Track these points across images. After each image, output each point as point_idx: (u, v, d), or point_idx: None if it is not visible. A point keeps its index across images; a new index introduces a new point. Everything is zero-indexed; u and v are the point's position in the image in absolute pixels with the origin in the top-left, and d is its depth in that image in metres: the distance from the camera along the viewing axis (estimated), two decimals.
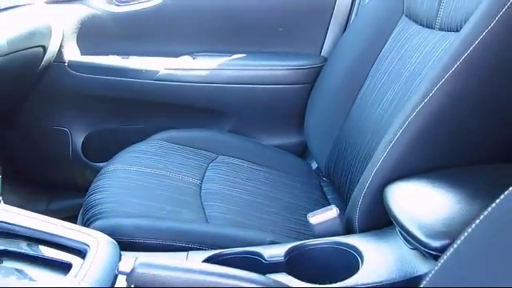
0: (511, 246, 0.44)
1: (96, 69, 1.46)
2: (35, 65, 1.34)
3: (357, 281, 0.66)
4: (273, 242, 0.84)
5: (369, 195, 0.78)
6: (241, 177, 1.19)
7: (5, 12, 1.18)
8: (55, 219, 0.76)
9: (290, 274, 0.71)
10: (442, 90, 0.71)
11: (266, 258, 0.75)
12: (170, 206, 0.98)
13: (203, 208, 1.02)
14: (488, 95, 0.72)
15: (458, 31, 0.86)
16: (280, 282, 0.63)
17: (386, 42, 1.13)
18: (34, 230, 0.72)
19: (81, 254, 0.72)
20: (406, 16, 1.11)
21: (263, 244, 0.82)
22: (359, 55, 1.19)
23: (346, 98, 1.18)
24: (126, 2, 1.47)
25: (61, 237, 0.73)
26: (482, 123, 0.72)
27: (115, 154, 1.24)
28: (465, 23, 0.80)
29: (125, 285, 0.70)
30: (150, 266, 0.59)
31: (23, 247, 0.71)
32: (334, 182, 1.18)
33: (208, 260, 0.75)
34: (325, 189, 1.27)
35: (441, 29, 0.96)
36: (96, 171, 1.38)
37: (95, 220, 0.90)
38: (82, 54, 1.49)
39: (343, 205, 1.01)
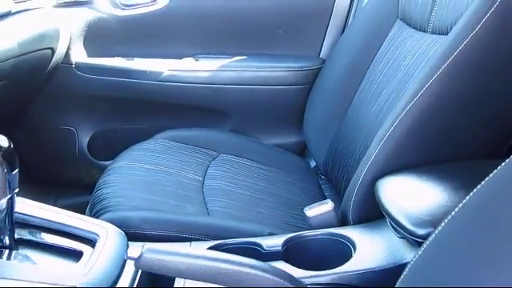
0: (484, 231, 0.48)
1: (102, 70, 1.50)
2: (44, 66, 1.38)
3: (349, 267, 0.70)
4: (271, 234, 0.88)
5: (362, 189, 0.83)
6: (241, 174, 1.23)
7: (16, 16, 1.22)
8: (67, 211, 0.80)
9: (287, 263, 0.75)
10: (430, 90, 0.76)
11: (264, 247, 0.79)
12: (174, 200, 1.03)
13: (205, 203, 1.06)
14: (473, 95, 0.77)
15: (447, 34, 0.91)
16: (278, 268, 0.67)
17: (381, 45, 1.17)
18: (48, 220, 0.77)
19: (91, 242, 0.76)
20: (401, 20, 1.14)
21: (262, 236, 0.87)
22: (356, 57, 1.23)
23: (343, 99, 1.22)
24: (131, 6, 1.51)
25: (72, 227, 0.77)
26: (467, 121, 0.76)
27: (120, 153, 1.27)
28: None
29: (133, 270, 0.75)
30: (156, 251, 0.63)
31: (38, 236, 0.75)
32: (332, 180, 1.22)
33: (210, 249, 0.80)
34: (323, 186, 1.31)
35: (433, 32, 1.00)
36: (101, 169, 1.42)
37: (103, 213, 0.95)
38: (88, 56, 1.52)
39: (340, 201, 1.05)
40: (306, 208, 0.88)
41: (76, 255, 0.73)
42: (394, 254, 0.70)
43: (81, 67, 1.50)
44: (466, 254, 0.49)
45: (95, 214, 0.97)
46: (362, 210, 0.83)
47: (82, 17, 1.49)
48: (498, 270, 0.45)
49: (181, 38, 1.55)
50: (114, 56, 1.53)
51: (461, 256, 0.50)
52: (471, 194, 0.51)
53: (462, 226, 0.51)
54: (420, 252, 0.54)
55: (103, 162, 1.58)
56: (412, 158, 0.78)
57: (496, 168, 0.50)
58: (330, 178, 1.22)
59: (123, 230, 0.82)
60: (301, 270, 0.71)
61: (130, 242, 0.80)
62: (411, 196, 0.70)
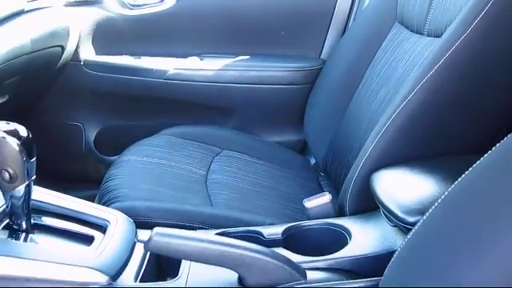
0: (466, 217, 0.53)
1: (110, 68, 1.53)
2: (54, 63, 1.42)
3: (344, 253, 0.75)
4: (271, 224, 0.92)
5: (358, 182, 0.87)
6: (243, 169, 1.26)
7: (28, 14, 1.26)
8: (80, 199, 0.85)
9: (286, 249, 0.79)
10: (423, 89, 0.80)
11: (265, 235, 0.84)
12: (179, 192, 1.07)
13: (209, 195, 1.10)
14: (462, 94, 0.81)
15: (441, 37, 0.95)
16: (278, 253, 0.72)
17: (380, 46, 1.20)
18: (62, 207, 0.81)
19: (102, 228, 0.80)
20: (399, 22, 1.18)
21: (263, 225, 0.91)
22: (356, 58, 1.26)
23: (342, 98, 1.25)
24: (138, 6, 1.54)
25: (85, 214, 0.81)
26: (456, 118, 0.81)
27: (126, 148, 1.30)
28: None
29: (141, 255, 0.79)
30: (164, 235, 0.68)
31: (52, 222, 0.79)
32: (331, 176, 1.25)
33: None
34: (322, 183, 1.34)
35: (428, 35, 1.04)
36: (107, 164, 1.45)
37: (112, 203, 0.99)
38: (96, 54, 1.56)
39: (338, 196, 1.10)
40: (305, 200, 0.92)
41: (88, 240, 0.77)
42: (386, 241, 0.75)
43: (89, 65, 1.53)
44: (449, 238, 0.54)
45: (104, 204, 1.01)
46: (358, 201, 0.88)
47: (91, 16, 1.53)
48: (477, 253, 0.50)
49: (186, 37, 1.58)
50: (121, 54, 1.56)
51: (444, 241, 0.55)
52: (455, 184, 0.56)
53: (447, 213, 0.56)
54: (408, 238, 0.58)
55: (109, 157, 1.62)
56: (405, 153, 0.83)
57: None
58: (329, 174, 1.26)
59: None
60: (299, 256, 0.75)
61: (137, 230, 0.84)
62: (403, 187, 0.75)
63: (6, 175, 0.70)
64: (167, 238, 0.67)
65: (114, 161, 1.28)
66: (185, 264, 0.75)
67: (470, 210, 0.52)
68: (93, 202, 1.13)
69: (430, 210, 0.56)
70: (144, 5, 1.54)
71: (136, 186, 1.07)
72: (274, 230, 0.85)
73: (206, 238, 0.68)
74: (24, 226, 0.75)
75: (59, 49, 1.40)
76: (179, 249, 0.67)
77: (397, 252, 0.60)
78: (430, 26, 1.04)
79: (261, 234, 0.84)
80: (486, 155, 0.54)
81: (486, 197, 0.51)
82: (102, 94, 1.58)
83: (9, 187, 0.72)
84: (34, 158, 0.73)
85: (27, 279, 0.68)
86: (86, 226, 0.81)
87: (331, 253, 0.77)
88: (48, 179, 1.66)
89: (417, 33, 1.09)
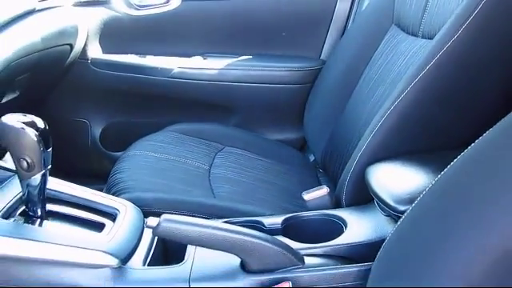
0: (449, 204, 0.58)
1: (116, 66, 1.57)
2: (62, 61, 1.46)
3: (340, 241, 0.80)
4: (271, 215, 0.97)
5: (354, 175, 0.92)
6: (244, 165, 1.30)
7: (39, 13, 1.30)
8: (91, 189, 0.89)
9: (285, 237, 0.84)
10: (414, 88, 0.85)
11: (265, 225, 0.88)
12: (183, 185, 1.12)
13: (212, 188, 1.15)
14: (452, 93, 0.86)
15: None
16: (278, 240, 0.76)
17: (377, 47, 1.24)
18: (74, 196, 0.86)
19: (112, 216, 0.85)
20: (395, 25, 1.22)
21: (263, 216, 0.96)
22: (354, 59, 1.29)
23: (341, 97, 1.28)
24: (144, 7, 1.56)
25: (96, 202, 0.86)
26: (445, 115, 0.86)
27: (130, 144, 1.34)
28: None
29: (148, 241, 0.84)
30: (172, 221, 0.72)
31: (65, 210, 0.84)
32: (329, 173, 1.29)
33: None
34: (320, 179, 1.38)
35: (423, 37, 1.08)
36: (112, 160, 1.49)
37: (120, 194, 1.04)
38: (103, 53, 1.59)
39: (335, 191, 1.14)
40: (304, 192, 0.97)
41: (98, 227, 0.82)
42: (379, 229, 0.80)
43: (96, 63, 1.57)
44: (435, 223, 0.59)
45: (113, 195, 1.06)
46: (354, 193, 0.92)
47: (98, 16, 1.56)
48: (461, 235, 0.54)
49: (190, 37, 1.62)
50: (127, 53, 1.59)
51: (430, 226, 0.59)
52: (441, 174, 0.60)
53: (433, 201, 0.61)
54: (397, 225, 0.63)
55: (114, 153, 1.65)
56: (397, 148, 0.88)
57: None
58: (327, 170, 1.29)
59: None
60: (297, 243, 0.80)
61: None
62: (395, 179, 0.79)
63: (24, 164, 0.74)
64: (175, 223, 0.72)
65: (118, 156, 1.32)
66: (190, 249, 0.80)
67: (454, 196, 0.57)
68: None
69: (418, 199, 0.61)
70: (150, 5, 1.57)
71: (142, 179, 1.11)
72: (274, 220, 0.89)
73: (211, 225, 0.73)
74: (39, 212, 0.80)
75: (68, 47, 1.43)
76: (186, 234, 0.72)
77: (387, 238, 0.64)
78: (424, 29, 1.08)
79: (261, 224, 0.89)
80: (468, 148, 0.58)
81: (469, 184, 0.56)
82: (107, 91, 1.61)
83: (26, 175, 0.76)
84: (50, 149, 0.78)
85: (42, 261, 0.73)
86: (97, 214, 0.85)
87: (328, 241, 0.82)
88: (54, 174, 1.72)
89: (412, 35, 1.13)
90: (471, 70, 0.86)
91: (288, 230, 0.88)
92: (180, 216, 0.73)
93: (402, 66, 1.09)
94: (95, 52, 1.58)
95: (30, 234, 0.75)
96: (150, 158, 1.23)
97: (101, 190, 1.19)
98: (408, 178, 0.78)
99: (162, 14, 1.56)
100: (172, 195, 1.04)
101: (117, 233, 0.80)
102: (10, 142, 0.74)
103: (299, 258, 0.75)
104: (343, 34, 1.58)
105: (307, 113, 1.48)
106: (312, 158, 1.52)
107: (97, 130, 1.67)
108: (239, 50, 1.62)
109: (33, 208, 0.80)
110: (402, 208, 0.71)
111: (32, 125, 0.74)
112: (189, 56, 1.61)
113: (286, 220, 0.89)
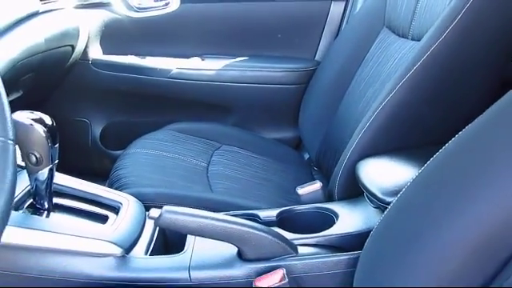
0: (430, 194, 0.62)
1: (116, 67, 1.60)
2: (64, 62, 1.50)
3: (331, 232, 0.84)
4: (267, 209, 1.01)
5: (346, 171, 0.96)
6: (241, 162, 1.34)
7: (43, 15, 1.33)
8: (95, 184, 0.94)
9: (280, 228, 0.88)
10: (403, 88, 0.89)
11: (261, 218, 0.92)
12: (183, 181, 1.16)
13: (210, 184, 1.19)
14: (438, 92, 0.90)
15: None
16: (273, 230, 0.81)
17: (369, 49, 1.27)
18: (80, 190, 0.90)
19: (115, 209, 0.89)
20: (387, 27, 1.25)
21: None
22: (347, 60, 1.32)
23: (334, 97, 1.32)
24: (144, 9, 1.60)
25: (100, 196, 0.90)
26: (432, 113, 0.90)
27: (130, 143, 1.37)
28: None
29: (150, 234, 0.88)
30: (173, 212, 0.76)
31: (71, 203, 0.88)
32: (323, 170, 1.33)
33: None
34: (315, 176, 1.41)
35: (412, 39, 1.11)
36: (112, 158, 1.52)
37: (122, 190, 1.07)
38: (104, 54, 1.62)
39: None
40: (298, 187, 1.01)
41: (102, 219, 0.86)
42: (369, 220, 0.84)
43: (97, 63, 1.60)
44: (418, 212, 0.63)
45: None
46: (345, 188, 0.97)
47: (99, 18, 1.60)
48: (439, 224, 0.59)
49: (189, 39, 1.65)
50: (127, 54, 1.63)
51: (412, 216, 0.64)
52: (423, 167, 0.65)
53: (416, 191, 0.65)
54: (384, 214, 0.68)
55: (114, 152, 1.68)
56: (386, 144, 0.92)
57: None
58: (321, 168, 1.33)
59: None
60: (291, 234, 0.84)
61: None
62: (383, 173, 0.84)
63: (33, 158, 0.79)
64: (176, 214, 0.76)
65: (118, 155, 1.34)
66: (189, 240, 0.84)
67: (435, 187, 0.62)
68: None
69: (403, 190, 0.66)
70: (149, 8, 1.60)
71: (143, 175, 1.15)
72: (269, 213, 0.94)
73: (210, 216, 0.77)
74: (46, 205, 0.84)
75: (70, 48, 1.47)
76: (186, 225, 0.76)
77: (374, 228, 0.69)
78: (413, 31, 1.12)
79: (257, 217, 0.93)
80: (449, 142, 0.63)
81: (448, 176, 0.61)
82: (108, 91, 1.64)
83: (34, 169, 0.80)
84: (57, 145, 0.82)
85: (50, 250, 0.77)
86: (101, 207, 0.89)
87: (320, 232, 0.86)
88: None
89: (402, 37, 1.16)
90: (456, 72, 0.90)
91: (283, 222, 0.92)
92: (181, 207, 0.77)
93: (391, 67, 1.13)
94: (96, 53, 1.62)
95: (37, 225, 0.79)
96: (149, 156, 1.27)
97: None
98: (395, 171, 0.83)
99: (161, 17, 1.59)
100: (172, 190, 1.09)
101: (120, 224, 0.84)
102: (19, 138, 0.78)
103: (293, 248, 0.79)
104: (337, 35, 1.61)
105: (302, 113, 1.52)
106: (307, 156, 1.55)
107: (97, 130, 1.70)
108: (236, 52, 1.65)
109: (40, 201, 0.84)
110: (389, 199, 0.75)
111: (40, 121, 0.79)
112: (187, 57, 1.65)
113: (280, 213, 0.93)
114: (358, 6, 1.57)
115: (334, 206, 0.92)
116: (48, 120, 0.80)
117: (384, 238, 0.67)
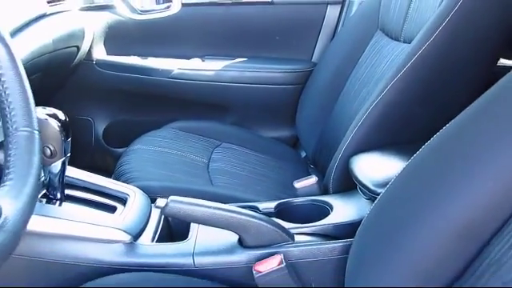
0: (416, 185, 0.67)
1: (119, 67, 1.64)
2: (70, 62, 1.54)
3: (326, 222, 0.90)
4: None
5: (340, 165, 1.02)
6: (241, 159, 1.39)
7: (50, 17, 1.38)
8: (104, 177, 0.99)
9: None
10: (393, 87, 0.95)
11: (260, 209, 0.97)
12: (185, 176, 1.21)
13: (211, 179, 1.24)
14: (427, 91, 0.96)
15: None
16: (272, 219, 0.86)
17: (363, 51, 1.31)
18: (89, 182, 0.95)
19: (122, 201, 0.94)
20: (380, 30, 1.30)
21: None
22: (342, 61, 1.37)
23: (330, 98, 1.36)
24: (147, 12, 1.61)
25: (108, 188, 0.95)
26: (421, 112, 0.95)
27: (132, 141, 1.41)
28: None
29: (155, 224, 0.93)
30: (178, 201, 0.81)
31: (81, 194, 0.93)
32: (319, 167, 1.37)
33: None
34: (311, 173, 1.48)
35: (404, 41, 1.16)
36: (115, 156, 1.57)
37: (127, 183, 1.12)
38: (107, 54, 1.67)
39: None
40: (295, 181, 1.06)
41: (111, 209, 0.91)
42: (361, 211, 0.89)
43: (101, 64, 1.64)
44: (403, 202, 0.68)
45: None
46: (340, 182, 1.02)
47: (103, 20, 1.64)
48: (424, 211, 0.64)
49: (190, 40, 1.69)
50: (130, 55, 1.67)
51: (399, 204, 0.69)
52: (411, 159, 0.71)
53: (404, 182, 0.71)
54: (374, 204, 0.73)
55: (117, 150, 1.72)
56: (378, 141, 0.98)
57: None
58: (317, 166, 1.38)
59: None
60: (289, 223, 0.90)
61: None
62: (375, 166, 0.90)
63: (48, 151, 0.84)
64: (181, 204, 0.81)
65: (120, 153, 1.39)
66: (193, 228, 0.90)
67: (420, 178, 0.67)
68: None
69: (392, 181, 0.71)
70: (152, 10, 1.62)
71: (147, 170, 1.21)
72: (268, 205, 0.99)
73: (213, 205, 0.82)
74: (58, 195, 0.89)
75: (75, 49, 1.51)
76: (190, 213, 0.81)
77: (365, 216, 0.74)
78: (405, 34, 1.17)
79: (257, 208, 0.98)
80: (434, 137, 0.69)
81: (433, 166, 0.66)
82: (111, 90, 1.68)
83: (48, 162, 0.85)
84: (70, 139, 0.87)
85: (63, 236, 0.82)
86: (110, 198, 0.95)
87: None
88: None
89: (395, 39, 1.21)
90: (446, 73, 0.96)
91: (281, 213, 0.97)
92: (185, 197, 0.82)
93: (384, 69, 1.18)
94: (100, 54, 1.66)
95: (51, 213, 0.84)
96: (152, 152, 1.32)
97: None
98: (386, 165, 0.88)
99: (163, 19, 1.61)
100: (176, 184, 1.14)
101: (128, 214, 0.90)
102: None
103: (290, 236, 0.85)
104: (333, 38, 1.65)
105: (299, 113, 1.56)
106: (303, 154, 1.60)
107: (100, 128, 1.75)
108: (235, 53, 1.69)
109: (53, 192, 0.89)
110: (379, 190, 0.80)
111: (55, 116, 0.84)
112: (188, 58, 1.69)
113: (278, 205, 0.99)
114: (354, 9, 1.62)
115: (328, 199, 0.97)
116: (61, 115, 0.85)
117: (374, 225, 0.73)
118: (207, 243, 0.86)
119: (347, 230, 0.87)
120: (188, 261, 0.83)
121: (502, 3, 0.95)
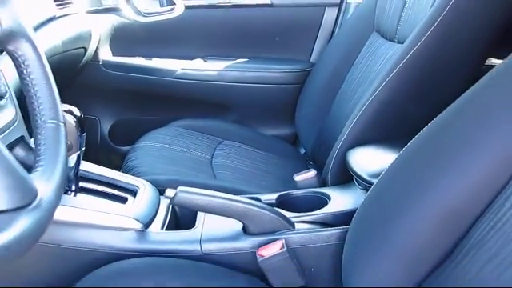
0: (407, 174, 0.73)
1: (125, 67, 1.69)
2: (77, 63, 1.59)
3: (325, 211, 0.95)
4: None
5: (337, 159, 1.08)
6: (243, 155, 1.44)
7: (59, 19, 1.44)
8: (115, 171, 1.04)
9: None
10: (387, 86, 1.00)
11: (262, 200, 1.03)
12: (189, 170, 1.27)
13: (214, 174, 1.30)
14: (419, 90, 1.01)
15: None
16: (273, 208, 0.92)
17: (360, 52, 1.36)
18: (102, 175, 1.01)
19: (133, 192, 1.00)
20: (376, 31, 1.35)
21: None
22: (339, 62, 1.42)
23: (328, 97, 1.41)
24: (151, 14, 1.67)
25: (119, 181, 1.01)
26: (414, 109, 1.01)
27: (137, 140, 1.46)
28: None
29: (164, 214, 0.99)
30: (186, 192, 0.87)
31: (94, 186, 0.99)
32: (317, 163, 1.42)
33: None
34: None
35: (398, 42, 1.21)
36: (120, 154, 1.62)
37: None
38: (113, 55, 1.72)
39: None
40: (295, 175, 1.12)
41: (122, 200, 0.97)
42: (357, 201, 0.95)
43: (107, 64, 1.70)
44: (394, 191, 0.74)
45: None
46: (337, 175, 1.08)
47: (109, 22, 1.69)
48: (412, 199, 0.69)
49: (193, 42, 1.75)
50: (135, 55, 1.72)
51: (390, 193, 0.75)
52: (402, 150, 0.76)
53: (395, 171, 0.76)
54: (368, 193, 0.79)
55: (122, 148, 1.78)
56: (373, 136, 1.03)
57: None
58: (316, 162, 1.43)
59: None
60: (289, 212, 0.96)
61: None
62: (370, 159, 0.96)
63: None
64: (189, 194, 0.86)
65: (125, 151, 1.44)
66: (200, 217, 0.95)
67: (410, 168, 0.73)
68: None
69: (384, 171, 0.77)
70: (156, 13, 1.67)
71: (154, 165, 1.26)
72: (270, 197, 1.05)
73: (219, 195, 0.88)
74: (73, 187, 0.94)
75: (82, 50, 1.56)
76: (198, 203, 0.86)
77: (360, 205, 0.80)
78: (399, 35, 1.22)
79: (259, 199, 1.04)
80: (423, 129, 0.75)
81: (422, 157, 0.72)
82: (116, 90, 1.74)
83: None
84: (84, 134, 0.93)
85: (78, 224, 0.88)
86: (121, 190, 1.00)
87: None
88: None
89: (389, 40, 1.26)
90: (437, 73, 1.01)
91: (282, 204, 1.03)
92: (193, 188, 0.88)
93: (379, 69, 1.23)
94: (106, 55, 1.71)
95: (67, 202, 0.89)
96: (158, 148, 1.37)
97: None
98: (380, 157, 0.94)
99: (167, 21, 1.66)
100: (182, 177, 1.19)
101: (139, 204, 0.95)
102: None
103: (291, 223, 0.91)
104: (330, 39, 1.70)
105: (298, 111, 1.61)
106: (303, 151, 1.66)
107: (106, 127, 1.80)
108: (237, 53, 1.74)
109: (68, 183, 0.94)
110: (374, 181, 0.86)
111: (70, 112, 0.90)
112: (191, 58, 1.74)
113: (280, 196, 1.05)
114: (350, 11, 1.67)
115: (326, 190, 1.03)
116: (77, 111, 0.91)
117: (367, 214, 0.78)
118: (213, 231, 0.92)
119: (344, 218, 0.92)
120: (196, 247, 0.89)
121: (491, 4, 1.00)
